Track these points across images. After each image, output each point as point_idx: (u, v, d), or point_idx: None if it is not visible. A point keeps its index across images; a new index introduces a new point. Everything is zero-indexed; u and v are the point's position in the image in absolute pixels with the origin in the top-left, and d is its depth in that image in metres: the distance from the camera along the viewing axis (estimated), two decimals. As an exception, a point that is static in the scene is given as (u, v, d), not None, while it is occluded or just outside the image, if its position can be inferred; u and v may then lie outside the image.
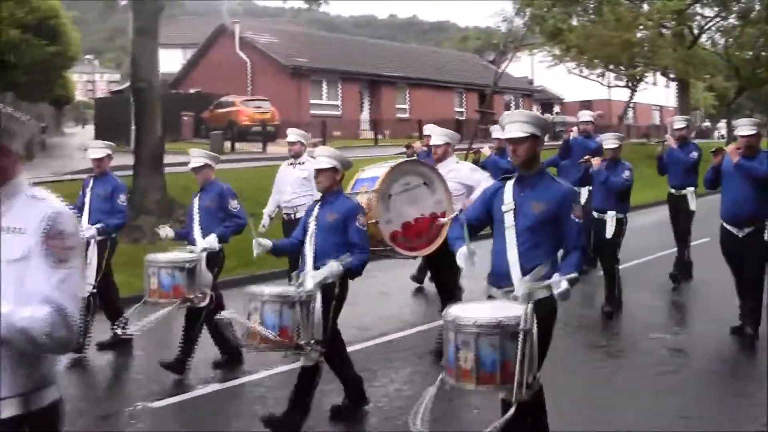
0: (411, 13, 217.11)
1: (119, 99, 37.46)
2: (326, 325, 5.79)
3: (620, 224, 9.21)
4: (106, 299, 8.46)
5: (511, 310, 4.20)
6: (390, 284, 11.31)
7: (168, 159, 15.44)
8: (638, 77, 33.84)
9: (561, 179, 4.80)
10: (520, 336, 4.03)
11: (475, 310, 4.29)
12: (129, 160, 14.82)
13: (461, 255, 4.69)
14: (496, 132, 10.95)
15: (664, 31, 33.36)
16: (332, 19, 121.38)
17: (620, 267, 9.45)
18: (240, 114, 31.77)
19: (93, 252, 8.07)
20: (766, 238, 7.73)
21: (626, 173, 9.12)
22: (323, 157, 6.07)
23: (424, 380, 6.93)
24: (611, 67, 33.86)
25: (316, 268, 5.77)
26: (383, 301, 10.58)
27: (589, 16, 33.95)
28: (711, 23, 35.67)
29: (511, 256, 4.58)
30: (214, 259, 7.52)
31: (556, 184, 4.66)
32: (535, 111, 50.49)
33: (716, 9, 34.36)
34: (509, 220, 4.61)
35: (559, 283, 4.32)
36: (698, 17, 35.21)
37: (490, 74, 44.47)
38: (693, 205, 10.66)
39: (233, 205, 7.60)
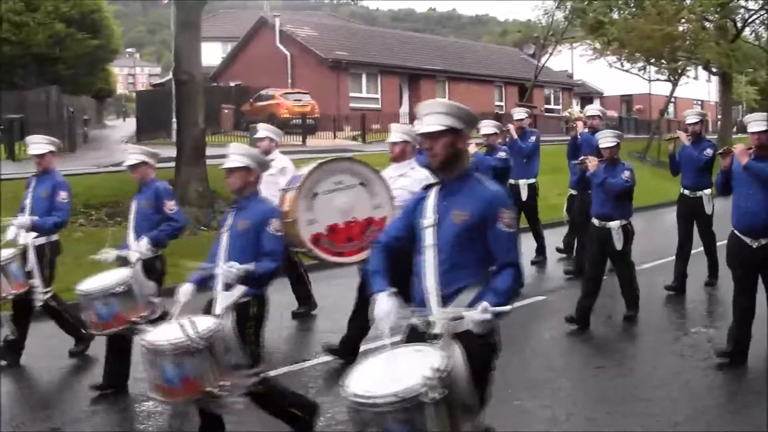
0: (450, 7, 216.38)
1: (160, 92, 37.89)
2: (248, 350, 5.03)
3: (626, 232, 8.42)
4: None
5: (410, 377, 3.28)
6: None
7: (208, 151, 15.60)
8: (680, 71, 33.31)
9: (491, 182, 3.92)
10: (428, 407, 3.24)
11: (374, 381, 3.39)
12: (171, 152, 14.98)
13: (381, 303, 3.69)
14: (484, 128, 10.43)
15: (706, 24, 32.87)
16: (371, 12, 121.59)
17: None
18: (280, 107, 31.93)
19: (32, 256, 7.56)
20: None
21: (626, 174, 8.37)
22: (235, 155, 5.31)
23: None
24: (652, 60, 33.38)
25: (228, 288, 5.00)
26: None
27: (631, 9, 33.51)
28: (755, 16, 35.09)
29: (428, 282, 3.77)
30: (151, 267, 6.74)
31: (481, 187, 3.79)
32: (575, 105, 50.19)
33: (761, 1, 33.77)
34: (429, 237, 3.80)
35: (480, 312, 3.49)
36: (742, 10, 34.64)
37: (530, 68, 44.19)
38: (709, 208, 9.80)
39: (170, 206, 6.91)
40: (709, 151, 9.72)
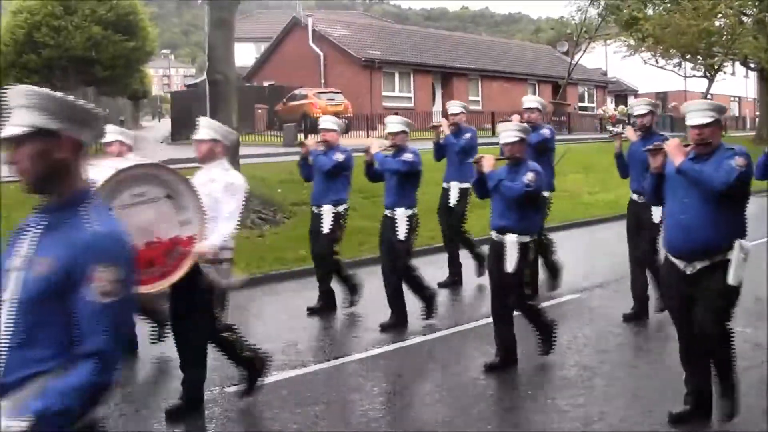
0: (483, 5, 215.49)
1: (194, 92, 38.18)
2: None
3: (525, 251, 6.70)
4: None
5: None
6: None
7: (241, 151, 15.70)
8: (716, 67, 32.96)
9: (103, 218, 2.55)
10: None
11: None
12: (205, 151, 15.07)
13: None
14: (390, 125, 8.77)
15: (744, 18, 32.45)
16: (403, 11, 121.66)
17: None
18: (313, 106, 32.04)
19: None
20: (729, 280, 5.14)
21: (529, 176, 6.55)
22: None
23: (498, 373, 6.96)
24: (688, 56, 33.06)
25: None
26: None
27: (666, 5, 33.21)
28: (795, 10, 34.58)
29: None
30: None
31: (80, 226, 2.48)
32: (610, 103, 49.81)
33: (801, -5, 33.30)
34: (10, 287, 2.51)
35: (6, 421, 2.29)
36: (781, 4, 34.16)
37: (563, 66, 43.97)
38: (657, 215, 7.63)
39: None
40: None
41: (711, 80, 33.03)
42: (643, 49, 33.77)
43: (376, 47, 38.87)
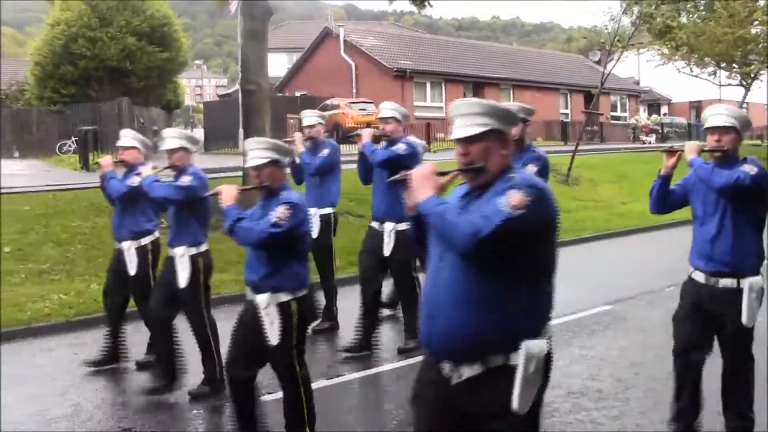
0: (514, 15, 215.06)
1: (227, 102, 38.54)
2: None
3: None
4: None
5: None
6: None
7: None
8: (752, 75, 32.61)
9: None
10: None
11: None
12: (238, 161, 15.21)
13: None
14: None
15: (781, 26, 32.10)
16: (434, 21, 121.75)
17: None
18: (345, 116, 32.15)
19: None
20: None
21: (279, 211, 4.95)
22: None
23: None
24: (723, 65, 32.75)
25: None
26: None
27: (700, 12, 32.95)
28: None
29: None
30: None
31: None
32: (642, 112, 49.44)
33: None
34: None
35: None
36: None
37: (595, 75, 43.67)
38: None
39: None
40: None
41: (747, 88, 32.70)
42: (677, 57, 33.54)
43: (407, 57, 38.94)
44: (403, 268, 7.55)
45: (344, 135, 30.35)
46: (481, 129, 3.20)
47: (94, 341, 8.24)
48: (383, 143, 7.51)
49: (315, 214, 8.29)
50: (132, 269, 7.20)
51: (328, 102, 34.43)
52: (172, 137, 6.70)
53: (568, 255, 12.30)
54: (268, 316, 5.00)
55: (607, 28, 37.32)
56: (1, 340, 8.77)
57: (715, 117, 5.01)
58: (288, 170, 5.56)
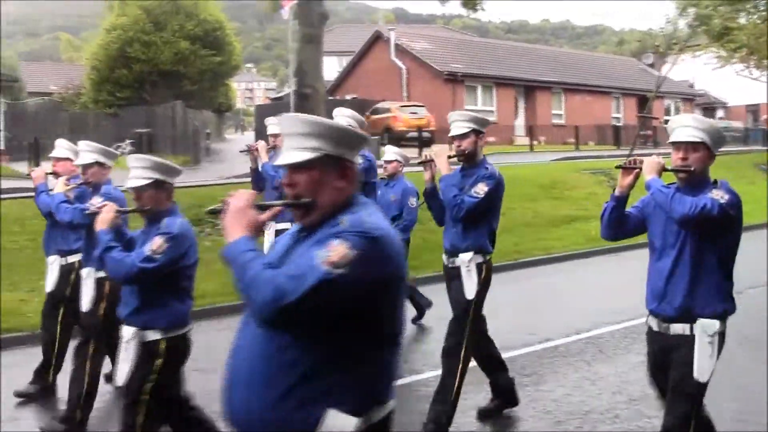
0: (564, 17, 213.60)
1: (279, 105, 38.81)
2: None
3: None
4: None
5: None
6: (558, 287, 11.14)
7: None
8: (814, 78, 31.84)
9: None
10: None
11: None
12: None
13: None
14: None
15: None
16: (484, 24, 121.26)
17: None
18: (396, 120, 32.16)
19: None
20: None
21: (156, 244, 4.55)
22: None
23: (594, 386, 6.84)
24: (784, 67, 32.07)
25: None
26: (553, 304, 10.44)
27: (761, 13, 32.23)
28: None
29: None
30: None
31: None
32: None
33: None
34: None
35: None
36: None
37: (648, 78, 43.19)
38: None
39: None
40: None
41: (808, 92, 31.95)
42: (735, 60, 32.92)
43: (458, 60, 38.84)
44: None
45: (395, 138, 30.45)
46: (310, 155, 2.58)
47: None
48: None
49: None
50: (49, 285, 6.80)
51: (379, 105, 34.49)
52: (85, 151, 6.06)
53: (628, 260, 12.17)
54: (126, 352, 4.49)
55: (662, 31, 36.90)
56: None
57: (681, 130, 4.17)
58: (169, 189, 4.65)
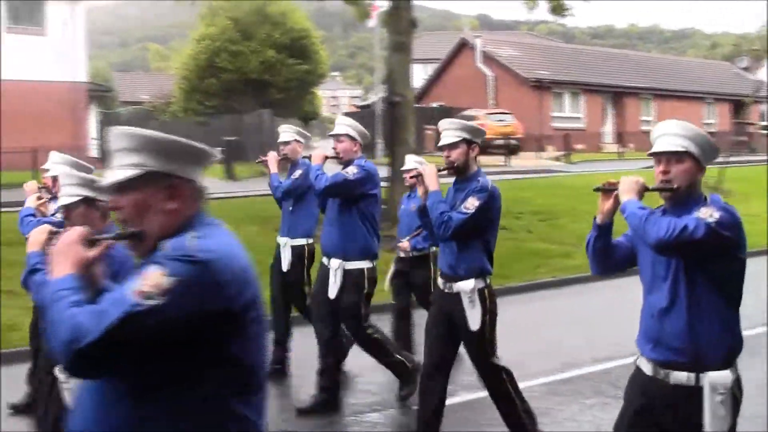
0: (652, 21, 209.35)
1: (365, 113, 39.07)
2: None
3: None
4: None
5: None
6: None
7: (413, 172, 15.90)
8: None
9: None
10: None
11: None
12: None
13: None
14: (284, 133, 7.81)
15: None
16: (569, 30, 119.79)
17: None
18: (482, 127, 31.99)
19: None
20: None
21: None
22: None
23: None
24: None
25: None
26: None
27: None
28: None
29: None
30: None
31: None
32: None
33: None
34: None
35: None
36: None
37: (742, 82, 41.96)
38: None
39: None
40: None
41: None
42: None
43: (544, 67, 38.47)
44: (348, 314, 6.24)
45: (483, 147, 30.28)
46: (130, 172, 2.25)
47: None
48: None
49: (286, 244, 7.25)
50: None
51: (465, 113, 34.38)
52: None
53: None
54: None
55: (761, 33, 35.77)
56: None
57: (662, 139, 3.51)
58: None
